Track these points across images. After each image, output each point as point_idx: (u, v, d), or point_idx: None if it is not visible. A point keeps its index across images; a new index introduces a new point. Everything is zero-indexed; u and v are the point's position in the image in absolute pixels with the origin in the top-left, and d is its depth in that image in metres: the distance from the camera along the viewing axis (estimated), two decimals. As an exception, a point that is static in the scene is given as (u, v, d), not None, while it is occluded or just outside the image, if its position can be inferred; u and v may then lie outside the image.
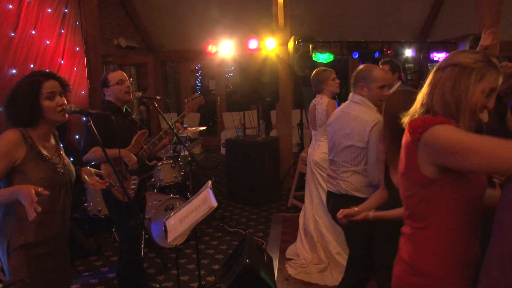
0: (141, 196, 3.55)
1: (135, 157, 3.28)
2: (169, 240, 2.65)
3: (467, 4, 8.28)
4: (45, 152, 2.21)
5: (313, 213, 4.34)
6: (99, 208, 4.92)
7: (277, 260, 4.47)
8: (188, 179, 5.51)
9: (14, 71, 4.55)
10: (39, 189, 1.91)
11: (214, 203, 2.60)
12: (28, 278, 2.10)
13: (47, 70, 2.32)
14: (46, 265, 2.21)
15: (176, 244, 2.95)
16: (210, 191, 2.79)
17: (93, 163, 3.32)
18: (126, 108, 3.48)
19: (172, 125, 3.47)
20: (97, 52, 6.52)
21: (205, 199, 2.70)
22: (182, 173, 5.41)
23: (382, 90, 2.86)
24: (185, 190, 5.45)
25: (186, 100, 3.72)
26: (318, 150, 4.32)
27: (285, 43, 6.73)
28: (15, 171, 2.09)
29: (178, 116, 3.64)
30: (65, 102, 2.24)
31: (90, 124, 2.39)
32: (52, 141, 2.32)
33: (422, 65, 8.18)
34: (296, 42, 6.47)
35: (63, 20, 5.41)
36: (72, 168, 2.38)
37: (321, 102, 4.26)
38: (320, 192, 4.25)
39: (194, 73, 12.50)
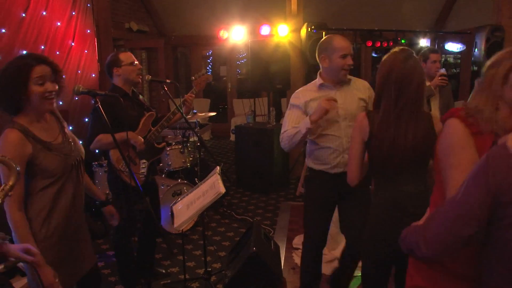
0: (150, 179, 3.51)
1: (140, 137, 3.25)
2: (175, 225, 2.62)
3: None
4: (48, 139, 2.14)
5: None
6: (107, 192, 4.91)
7: (284, 249, 4.45)
8: (196, 165, 5.48)
9: (24, 52, 4.51)
10: None
11: (222, 189, 2.57)
12: (54, 265, 2.07)
13: (39, 54, 2.19)
14: (60, 247, 2.19)
15: (182, 230, 2.93)
16: (219, 177, 2.75)
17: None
18: (133, 91, 3.44)
19: (180, 107, 3.42)
20: (108, 35, 6.47)
21: (213, 185, 2.66)
22: (191, 159, 5.39)
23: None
24: (193, 176, 5.43)
25: (193, 78, 3.67)
26: None
27: (298, 30, 6.63)
28: (29, 165, 2.06)
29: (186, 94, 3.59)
30: (56, 88, 2.12)
31: (98, 106, 2.34)
32: (50, 120, 2.23)
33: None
34: (309, 29, 6.37)
35: (74, 2, 5.36)
36: (80, 145, 2.34)
37: None
38: None
39: (205, 59, 12.43)
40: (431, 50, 4.33)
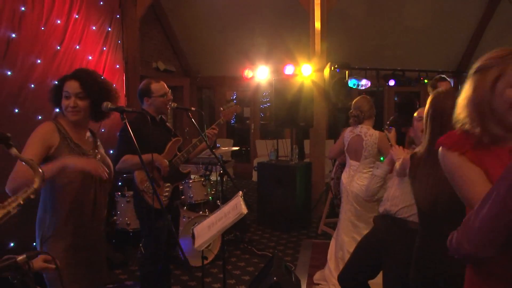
0: (173, 204, 3.51)
1: (166, 161, 3.28)
2: (196, 245, 2.59)
3: (507, 35, 8.15)
4: (78, 142, 2.28)
5: (342, 239, 4.17)
6: (128, 222, 4.93)
7: (305, 285, 4.34)
8: (218, 198, 5.48)
9: (56, 83, 4.68)
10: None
11: (244, 209, 2.55)
12: (59, 270, 2.09)
13: (76, 71, 2.39)
14: (78, 257, 2.20)
15: (202, 251, 2.89)
16: (241, 199, 2.73)
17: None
18: (161, 117, 3.51)
19: (205, 134, 3.44)
20: (136, 72, 6.69)
21: (235, 206, 2.65)
22: (213, 192, 5.39)
23: None
24: (215, 209, 5.40)
25: (222, 109, 3.72)
26: (359, 182, 4.01)
27: (321, 70, 6.73)
28: (49, 159, 2.15)
29: (213, 125, 3.63)
30: (79, 105, 2.26)
31: (125, 122, 2.40)
32: (88, 136, 2.39)
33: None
34: (332, 68, 6.47)
35: (106, 38, 5.60)
36: (109, 162, 2.41)
37: (369, 133, 3.99)
38: (353, 225, 4.10)
39: (230, 101, 12.63)
40: (440, 78, 4.30)
